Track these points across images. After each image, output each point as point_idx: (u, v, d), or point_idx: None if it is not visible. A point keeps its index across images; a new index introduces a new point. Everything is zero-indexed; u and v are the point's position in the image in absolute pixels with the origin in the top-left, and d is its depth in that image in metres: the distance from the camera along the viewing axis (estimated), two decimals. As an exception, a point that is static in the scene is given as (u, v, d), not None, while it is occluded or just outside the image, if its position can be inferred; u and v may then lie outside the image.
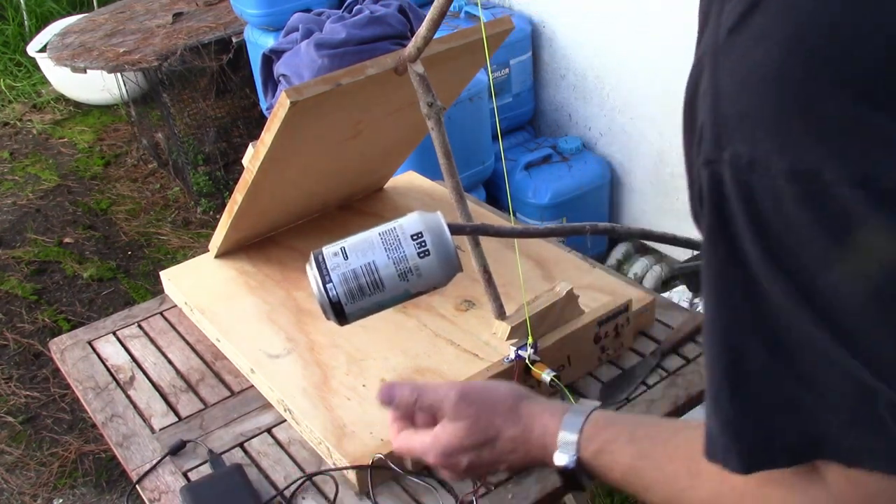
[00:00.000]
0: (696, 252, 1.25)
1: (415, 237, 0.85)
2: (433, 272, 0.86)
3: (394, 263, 0.86)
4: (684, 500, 0.72)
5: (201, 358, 1.44)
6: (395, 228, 0.86)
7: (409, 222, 0.86)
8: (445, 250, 0.86)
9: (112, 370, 1.43)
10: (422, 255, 0.85)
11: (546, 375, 1.18)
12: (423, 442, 0.87)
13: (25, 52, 4.70)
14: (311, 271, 0.87)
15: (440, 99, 1.21)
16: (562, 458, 0.80)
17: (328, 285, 0.86)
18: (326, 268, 0.86)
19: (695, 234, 0.87)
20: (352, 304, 0.87)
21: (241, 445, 1.25)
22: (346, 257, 0.86)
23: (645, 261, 2.95)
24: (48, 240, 3.55)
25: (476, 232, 0.98)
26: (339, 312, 0.88)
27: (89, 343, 1.50)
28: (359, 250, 0.86)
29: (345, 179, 1.66)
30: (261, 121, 3.29)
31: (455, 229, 0.88)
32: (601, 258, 3.04)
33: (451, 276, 0.88)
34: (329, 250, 0.87)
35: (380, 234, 0.87)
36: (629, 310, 1.33)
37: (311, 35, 1.39)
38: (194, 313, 1.50)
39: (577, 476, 0.81)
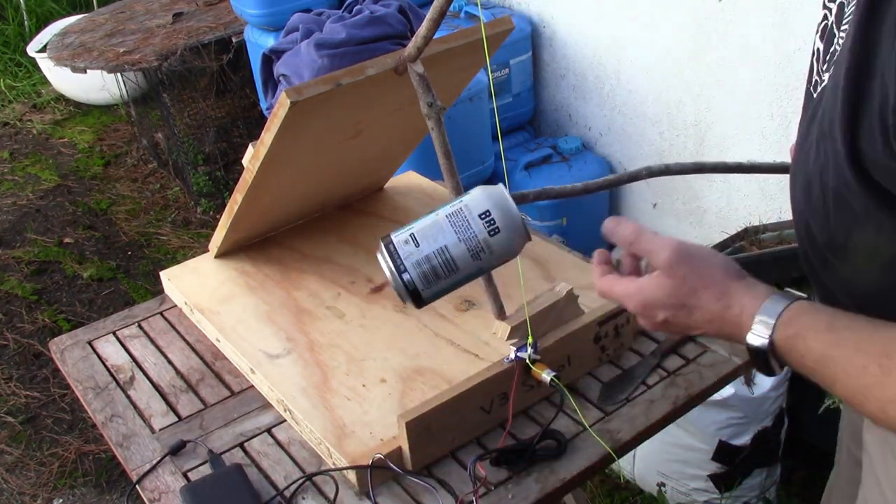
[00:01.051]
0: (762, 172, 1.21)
1: (483, 216, 0.85)
2: (504, 246, 0.86)
3: (465, 244, 0.86)
4: (869, 396, 0.71)
5: (201, 358, 1.44)
6: (462, 209, 0.86)
7: (475, 201, 0.86)
8: (514, 224, 0.86)
9: (112, 370, 1.43)
10: (492, 232, 0.85)
11: (546, 375, 1.18)
12: (625, 289, 0.89)
13: (25, 52, 4.71)
14: (384, 260, 0.87)
15: (440, 99, 1.21)
16: (755, 339, 0.80)
17: (403, 275, 0.86)
18: (399, 256, 0.86)
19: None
20: (428, 289, 0.87)
21: (241, 445, 1.25)
22: (417, 244, 0.86)
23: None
24: (48, 240, 3.55)
25: (539, 198, 0.97)
26: (416, 297, 0.88)
27: (89, 343, 1.50)
28: (429, 236, 0.86)
29: (345, 179, 1.66)
30: (261, 121, 3.29)
31: (519, 199, 0.87)
32: (601, 258, 3.03)
33: (522, 247, 0.88)
34: (399, 238, 0.87)
35: (447, 216, 0.86)
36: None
37: (311, 35, 1.39)
38: (194, 313, 1.50)
39: (768, 359, 0.80)
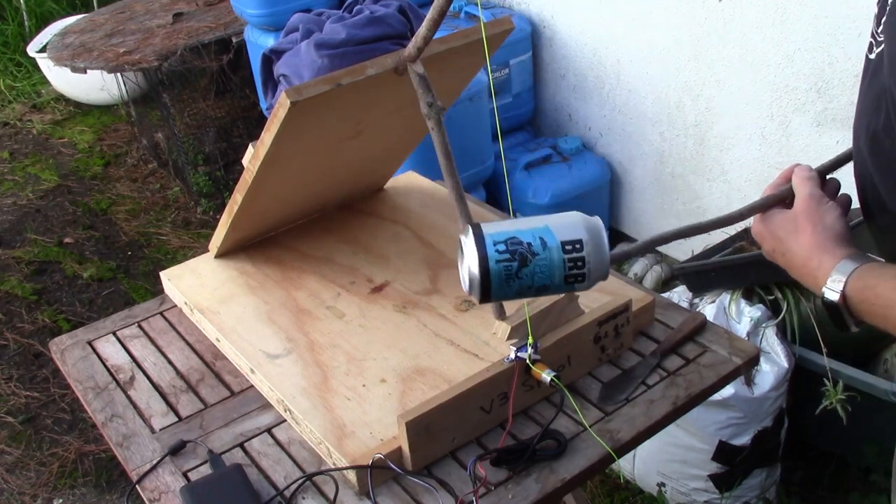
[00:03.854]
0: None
1: (576, 262, 0.84)
2: (580, 286, 0.86)
3: (548, 272, 0.85)
4: None
5: (201, 358, 1.44)
6: (559, 244, 0.84)
7: (574, 237, 0.84)
8: (601, 275, 0.86)
9: (112, 370, 1.43)
10: (578, 279, 0.84)
11: (546, 375, 1.18)
12: (761, 216, 0.99)
13: (25, 52, 4.71)
14: (469, 246, 0.84)
15: (440, 99, 1.21)
16: (829, 294, 0.88)
17: (485, 265, 0.83)
18: (486, 248, 0.83)
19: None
20: (499, 290, 0.86)
21: (241, 445, 1.25)
22: (506, 247, 0.84)
23: (645, 261, 2.95)
24: (48, 240, 3.55)
25: (645, 251, 0.96)
26: (486, 293, 0.85)
27: (89, 343, 1.50)
28: (518, 244, 0.83)
29: (345, 179, 1.66)
30: (261, 121, 3.29)
31: (620, 257, 0.88)
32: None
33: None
34: (490, 230, 0.84)
35: (541, 240, 0.84)
36: (629, 310, 1.33)
37: (311, 35, 1.39)
38: (194, 313, 1.50)
39: (842, 314, 0.88)
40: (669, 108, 2.68)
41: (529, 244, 0.82)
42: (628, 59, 2.76)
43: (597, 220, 0.86)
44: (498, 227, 0.84)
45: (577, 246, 0.83)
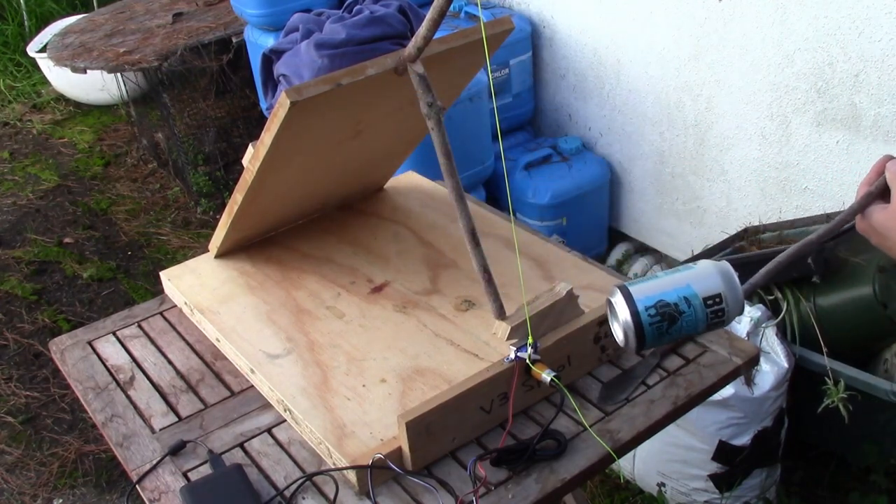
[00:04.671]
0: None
1: (715, 312, 0.94)
2: (726, 324, 0.96)
3: (692, 325, 0.94)
4: None
5: (201, 358, 1.44)
6: (702, 301, 0.93)
7: (714, 294, 0.94)
8: (734, 317, 0.96)
9: (112, 370, 1.43)
10: (716, 324, 0.95)
11: (546, 375, 1.18)
12: (861, 215, 1.04)
13: (25, 52, 4.71)
14: (621, 305, 0.93)
15: (440, 99, 1.21)
16: None
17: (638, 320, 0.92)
18: (636, 304, 0.92)
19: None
20: (653, 341, 0.94)
21: (241, 445, 1.25)
22: (654, 307, 0.92)
23: (645, 261, 2.95)
24: (48, 240, 3.55)
25: (770, 278, 1.03)
26: (641, 344, 0.93)
27: (89, 343, 1.50)
28: (664, 306, 0.93)
29: (345, 179, 1.66)
30: (261, 121, 3.29)
31: (748, 293, 0.95)
32: (601, 258, 3.04)
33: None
34: (637, 290, 0.93)
35: (685, 299, 0.93)
36: (629, 310, 1.33)
37: (311, 35, 1.39)
38: (194, 313, 1.50)
39: None
40: (669, 108, 2.68)
41: (676, 304, 0.92)
42: (628, 59, 2.76)
43: (727, 268, 0.95)
44: (645, 291, 0.93)
45: (717, 300, 0.93)
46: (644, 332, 0.91)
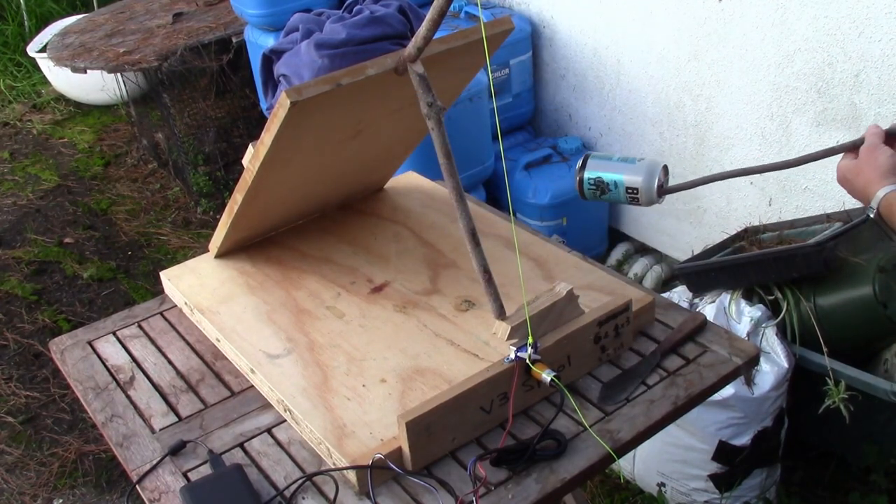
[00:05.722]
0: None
1: (630, 191, 1.34)
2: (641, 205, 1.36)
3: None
4: None
5: (201, 358, 1.44)
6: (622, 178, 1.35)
7: (632, 181, 1.34)
8: (650, 200, 1.35)
9: (112, 370, 1.43)
10: (633, 201, 1.35)
11: (546, 375, 1.18)
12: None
13: (25, 52, 4.71)
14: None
15: (440, 99, 1.21)
16: (870, 211, 1.19)
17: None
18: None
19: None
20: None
21: (241, 445, 1.25)
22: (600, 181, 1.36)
23: (645, 261, 2.95)
24: (48, 240, 3.55)
25: (695, 186, 1.45)
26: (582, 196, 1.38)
27: (89, 343, 1.50)
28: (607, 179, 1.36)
29: (345, 179, 1.66)
30: (261, 121, 3.30)
31: (665, 192, 1.38)
32: (601, 258, 3.04)
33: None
34: (592, 172, 1.36)
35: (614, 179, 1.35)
36: (629, 310, 1.33)
37: (311, 35, 1.39)
38: (194, 313, 1.50)
39: (879, 223, 1.18)
40: (669, 108, 2.68)
41: (607, 183, 1.34)
42: (628, 59, 2.76)
43: (653, 171, 1.34)
44: (595, 167, 1.35)
45: (635, 191, 1.34)
46: (584, 189, 1.36)
